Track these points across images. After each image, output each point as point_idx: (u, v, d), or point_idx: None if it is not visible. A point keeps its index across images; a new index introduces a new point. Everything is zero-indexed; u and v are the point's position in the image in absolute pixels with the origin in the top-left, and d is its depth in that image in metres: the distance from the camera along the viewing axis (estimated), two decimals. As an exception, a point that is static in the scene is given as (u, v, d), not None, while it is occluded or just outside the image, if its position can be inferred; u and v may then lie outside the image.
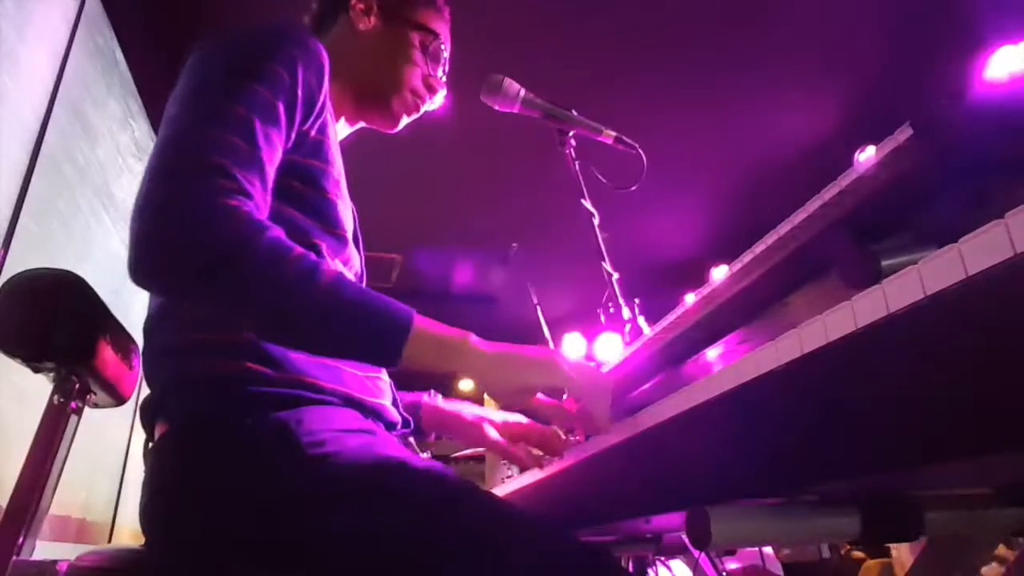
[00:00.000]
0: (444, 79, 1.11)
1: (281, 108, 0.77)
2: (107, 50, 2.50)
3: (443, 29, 1.10)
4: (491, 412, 1.09)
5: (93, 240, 2.36)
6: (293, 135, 0.80)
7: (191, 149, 0.69)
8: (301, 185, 0.82)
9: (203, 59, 0.81)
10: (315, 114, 0.83)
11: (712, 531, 0.54)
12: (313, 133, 0.84)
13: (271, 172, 0.75)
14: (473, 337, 0.74)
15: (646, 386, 1.05)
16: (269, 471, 0.71)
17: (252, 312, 0.68)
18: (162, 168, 0.68)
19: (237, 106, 0.72)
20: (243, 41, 0.82)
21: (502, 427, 1.07)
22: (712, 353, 0.91)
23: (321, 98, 0.84)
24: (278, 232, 0.68)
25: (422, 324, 0.70)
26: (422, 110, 1.10)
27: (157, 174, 0.68)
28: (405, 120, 1.09)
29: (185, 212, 0.64)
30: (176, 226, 0.64)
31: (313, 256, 0.68)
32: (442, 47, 1.08)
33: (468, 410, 1.10)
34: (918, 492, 0.61)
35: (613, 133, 1.31)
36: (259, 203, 0.71)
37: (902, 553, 2.84)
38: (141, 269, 0.66)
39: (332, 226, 0.85)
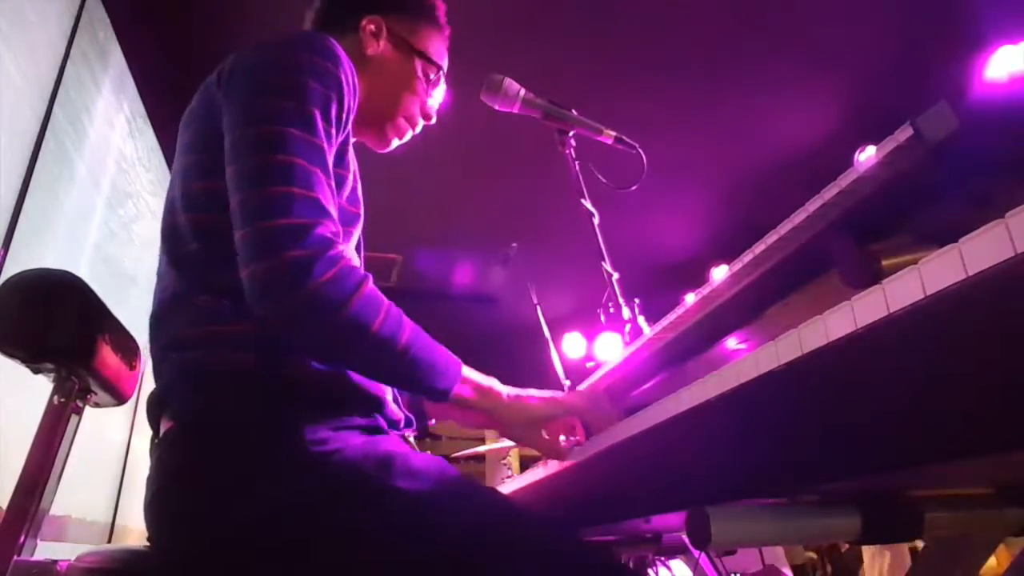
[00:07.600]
0: (436, 108, 1.12)
1: (334, 133, 0.82)
2: (106, 48, 2.50)
3: (443, 49, 1.10)
4: None
5: (92, 240, 2.35)
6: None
7: (279, 210, 0.72)
8: None
9: (253, 80, 0.81)
10: (345, 129, 0.86)
11: (712, 531, 0.54)
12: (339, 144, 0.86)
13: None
14: (497, 383, 0.89)
15: (646, 386, 1.05)
16: (272, 470, 0.72)
17: (348, 356, 0.77)
18: (260, 235, 0.72)
19: (304, 143, 0.77)
20: (288, 56, 0.82)
21: None
22: (712, 353, 0.91)
23: (353, 115, 0.87)
24: (371, 286, 0.76)
25: (467, 373, 0.85)
26: (411, 135, 1.11)
27: (259, 242, 0.72)
28: (395, 144, 1.10)
29: (304, 274, 0.71)
30: (299, 287, 0.70)
31: (395, 309, 0.77)
32: (443, 77, 1.10)
33: None
34: (918, 492, 0.61)
35: (613, 133, 1.31)
36: (342, 241, 0.77)
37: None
38: (283, 319, 0.72)
39: (343, 226, 0.86)
